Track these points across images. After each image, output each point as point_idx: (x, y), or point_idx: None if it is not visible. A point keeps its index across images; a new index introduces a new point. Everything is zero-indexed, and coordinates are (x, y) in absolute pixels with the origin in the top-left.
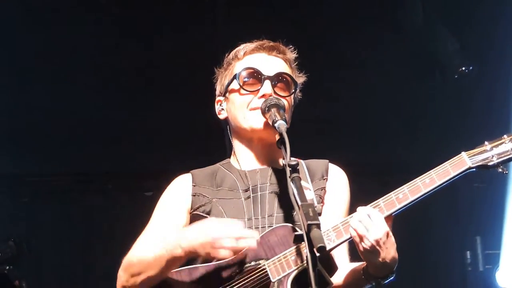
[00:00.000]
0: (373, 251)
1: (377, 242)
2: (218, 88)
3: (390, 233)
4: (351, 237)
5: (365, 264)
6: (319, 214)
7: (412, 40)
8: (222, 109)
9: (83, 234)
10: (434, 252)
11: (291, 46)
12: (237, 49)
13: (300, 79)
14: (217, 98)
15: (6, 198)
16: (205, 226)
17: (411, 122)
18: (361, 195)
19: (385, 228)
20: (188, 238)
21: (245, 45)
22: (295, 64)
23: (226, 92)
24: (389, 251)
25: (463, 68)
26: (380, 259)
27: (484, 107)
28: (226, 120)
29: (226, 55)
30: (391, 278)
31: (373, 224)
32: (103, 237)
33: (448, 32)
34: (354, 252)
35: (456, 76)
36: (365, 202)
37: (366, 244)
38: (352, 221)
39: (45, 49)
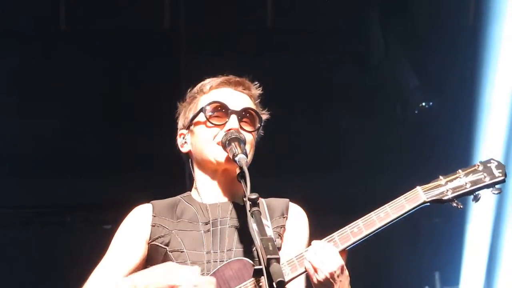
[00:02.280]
0: (327, 284)
1: (331, 275)
2: (181, 121)
3: (344, 267)
4: (305, 271)
5: None
6: (279, 248)
7: (374, 75)
8: (185, 142)
9: (42, 267)
10: (392, 286)
11: (256, 83)
12: (202, 83)
13: (264, 115)
14: (180, 132)
15: None
16: (161, 272)
17: (372, 155)
18: (320, 230)
19: (339, 261)
20: (143, 285)
21: (211, 79)
22: (259, 100)
23: (190, 125)
24: (343, 284)
25: (423, 104)
26: None
27: (443, 141)
28: (188, 153)
29: (190, 89)
30: None
31: (328, 257)
32: (62, 270)
33: (409, 68)
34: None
35: (416, 112)
36: (323, 237)
37: (320, 277)
38: (307, 254)
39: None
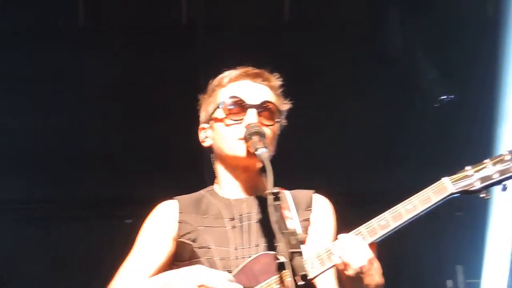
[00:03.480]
0: (357, 278)
1: (361, 268)
2: (203, 115)
3: (375, 259)
4: (334, 265)
5: None
6: (302, 242)
7: (393, 68)
8: (207, 136)
9: (63, 262)
10: (415, 281)
11: (276, 74)
12: (221, 76)
13: (285, 106)
14: (201, 126)
15: None
16: (191, 275)
17: (393, 149)
18: (345, 224)
19: (368, 254)
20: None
21: (229, 72)
22: (280, 91)
23: (210, 119)
24: (374, 278)
25: (444, 97)
26: (365, 286)
27: (465, 134)
28: (210, 147)
29: (210, 81)
30: None
31: (356, 251)
32: (83, 265)
33: (428, 60)
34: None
35: (436, 105)
36: (349, 231)
37: (350, 271)
38: (335, 249)
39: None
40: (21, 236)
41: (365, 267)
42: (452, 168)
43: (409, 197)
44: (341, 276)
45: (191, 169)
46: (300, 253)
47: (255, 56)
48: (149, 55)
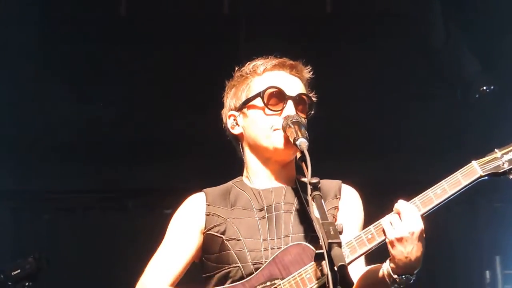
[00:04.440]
0: (402, 243)
1: (411, 234)
2: (232, 101)
3: (423, 233)
4: (363, 253)
5: (388, 259)
6: (340, 232)
7: (435, 59)
8: (237, 124)
9: (103, 252)
10: (453, 271)
11: (308, 67)
12: (255, 63)
13: (313, 98)
14: (230, 112)
15: (26, 215)
16: None
17: (433, 140)
18: (377, 213)
19: (421, 224)
20: None
21: (264, 60)
22: (308, 82)
23: (243, 107)
24: (418, 250)
25: (485, 88)
26: (406, 254)
27: (505, 125)
28: (239, 135)
29: (238, 67)
30: (408, 282)
31: (411, 217)
32: (123, 255)
33: (470, 52)
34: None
35: (477, 96)
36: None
37: (399, 233)
38: (391, 214)
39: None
40: (62, 226)
41: (414, 234)
42: None
43: None
44: (387, 239)
45: (230, 159)
46: (338, 244)
47: (294, 47)
48: (190, 45)
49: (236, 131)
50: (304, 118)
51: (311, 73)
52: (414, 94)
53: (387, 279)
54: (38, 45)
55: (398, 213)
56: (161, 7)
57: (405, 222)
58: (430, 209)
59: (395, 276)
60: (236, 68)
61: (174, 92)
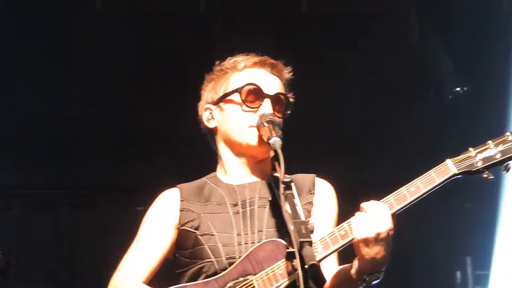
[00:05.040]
0: (369, 242)
1: (378, 234)
2: (209, 95)
3: (392, 232)
4: (336, 249)
5: (356, 258)
6: (312, 231)
7: (408, 58)
8: (212, 117)
9: (73, 248)
10: (423, 271)
11: (289, 67)
12: (235, 59)
13: (291, 98)
14: (206, 105)
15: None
16: None
17: (406, 139)
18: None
19: (390, 224)
20: None
21: (245, 57)
22: (287, 82)
23: (220, 101)
24: (384, 249)
25: (458, 89)
26: (373, 254)
27: (477, 126)
28: (213, 129)
29: (218, 62)
30: (377, 281)
31: (379, 216)
32: (93, 252)
33: (443, 52)
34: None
35: (450, 97)
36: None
37: (366, 232)
38: (360, 213)
39: (36, 56)
40: (31, 222)
41: (381, 234)
42: None
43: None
44: (354, 239)
45: (204, 156)
46: (310, 243)
47: (270, 45)
48: (165, 41)
49: (211, 124)
50: (280, 117)
51: (291, 73)
52: (387, 93)
53: (356, 278)
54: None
55: (365, 211)
56: (137, 2)
57: (371, 222)
58: (404, 207)
59: (363, 275)
60: (217, 62)
61: (146, 89)
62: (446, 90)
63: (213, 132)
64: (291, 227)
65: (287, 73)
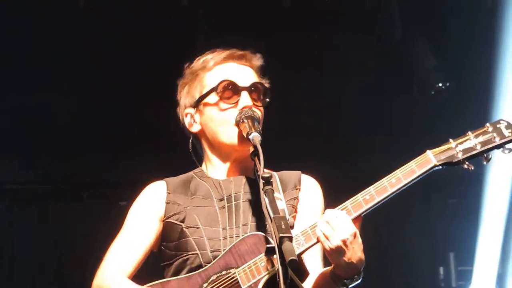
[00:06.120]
0: (339, 251)
1: (344, 242)
2: (186, 100)
3: (358, 234)
4: (317, 239)
5: (333, 266)
6: (291, 227)
7: (391, 55)
8: (194, 121)
9: (59, 242)
10: (406, 267)
11: (257, 54)
12: (204, 58)
13: (267, 84)
14: (186, 111)
15: None
16: None
17: (388, 136)
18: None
19: (352, 228)
20: None
21: (213, 54)
22: (261, 70)
23: (198, 104)
24: (356, 252)
25: (440, 85)
26: (346, 260)
27: (460, 122)
28: (198, 133)
29: (188, 64)
30: (357, 281)
31: (340, 224)
32: (79, 246)
33: (426, 48)
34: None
35: (433, 92)
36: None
37: (332, 243)
38: (319, 222)
39: (25, 52)
40: (17, 217)
41: (347, 240)
42: None
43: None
44: (324, 250)
45: (189, 153)
46: (289, 238)
47: (253, 40)
48: (147, 36)
49: (194, 129)
50: (260, 106)
51: (261, 59)
52: (368, 89)
53: (336, 283)
54: None
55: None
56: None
57: (336, 230)
58: (385, 198)
59: (343, 280)
60: (186, 65)
61: (127, 84)
62: (428, 86)
63: (197, 136)
64: (270, 223)
65: (257, 60)
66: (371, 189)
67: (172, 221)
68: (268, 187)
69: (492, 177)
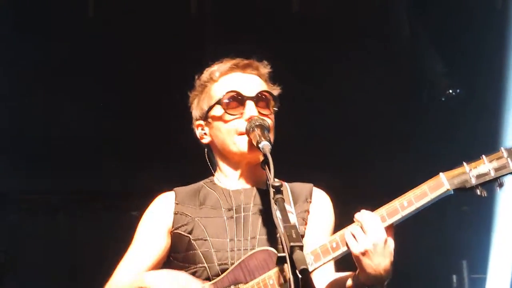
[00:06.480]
0: (368, 256)
1: (374, 246)
2: (197, 112)
3: (389, 242)
4: (327, 262)
5: (357, 272)
6: (302, 236)
7: (401, 60)
8: (205, 133)
9: (69, 252)
10: (419, 275)
11: (264, 61)
12: (210, 70)
13: (276, 91)
14: (197, 122)
15: None
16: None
17: (398, 142)
18: (346, 218)
19: (383, 234)
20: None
21: (218, 65)
22: (269, 77)
23: (207, 116)
24: (385, 259)
25: (450, 91)
26: (373, 266)
27: (470, 129)
28: (209, 143)
29: (197, 76)
30: None
31: (372, 228)
32: (89, 256)
33: (436, 54)
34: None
35: (443, 99)
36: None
37: (362, 247)
38: (350, 227)
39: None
40: (29, 227)
41: (378, 245)
42: (457, 163)
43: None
44: (352, 254)
45: (200, 163)
46: (300, 247)
47: (261, 48)
48: (155, 45)
49: (205, 140)
50: (268, 115)
51: (268, 66)
52: (379, 96)
53: None
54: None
55: (359, 223)
56: (128, 7)
57: (368, 234)
58: (397, 220)
59: (365, 287)
60: (196, 77)
61: (140, 93)
62: (438, 93)
63: (210, 147)
64: (280, 231)
65: (264, 67)
66: (383, 210)
67: (180, 232)
68: (278, 196)
69: (506, 184)
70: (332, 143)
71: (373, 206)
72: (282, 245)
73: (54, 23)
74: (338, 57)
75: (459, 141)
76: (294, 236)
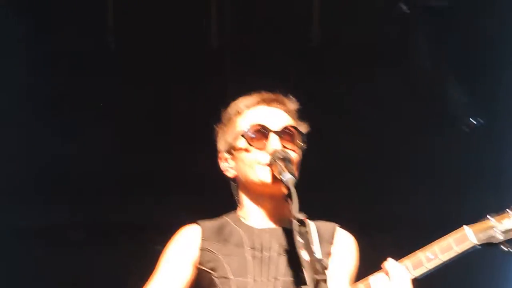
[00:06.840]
0: None
1: None
2: (222, 145)
3: None
4: None
5: None
6: (326, 268)
7: (421, 91)
8: (230, 167)
9: (92, 286)
10: None
11: (290, 96)
12: (236, 103)
13: (304, 128)
14: (221, 155)
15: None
16: None
17: (418, 174)
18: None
19: (408, 283)
20: None
21: (244, 98)
22: (296, 113)
23: (232, 150)
24: None
25: (472, 121)
26: None
27: (494, 161)
28: (234, 178)
29: (223, 110)
30: None
31: (398, 276)
32: None
33: (457, 83)
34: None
35: (465, 128)
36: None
37: None
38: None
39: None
40: (51, 261)
41: None
42: (479, 196)
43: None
44: None
45: (223, 196)
46: (325, 281)
47: (282, 81)
48: (175, 78)
49: (230, 174)
50: (293, 150)
51: (296, 102)
52: (400, 127)
53: None
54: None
55: (387, 273)
56: (148, 40)
57: (393, 284)
58: (422, 274)
59: None
60: (222, 110)
61: (160, 126)
62: (461, 122)
63: (235, 181)
64: (305, 264)
65: (291, 103)
66: (407, 262)
67: (205, 268)
68: (302, 228)
69: None
70: (353, 176)
71: (402, 240)
72: (305, 276)
73: (73, 59)
74: (357, 89)
75: (482, 173)
76: (318, 268)
